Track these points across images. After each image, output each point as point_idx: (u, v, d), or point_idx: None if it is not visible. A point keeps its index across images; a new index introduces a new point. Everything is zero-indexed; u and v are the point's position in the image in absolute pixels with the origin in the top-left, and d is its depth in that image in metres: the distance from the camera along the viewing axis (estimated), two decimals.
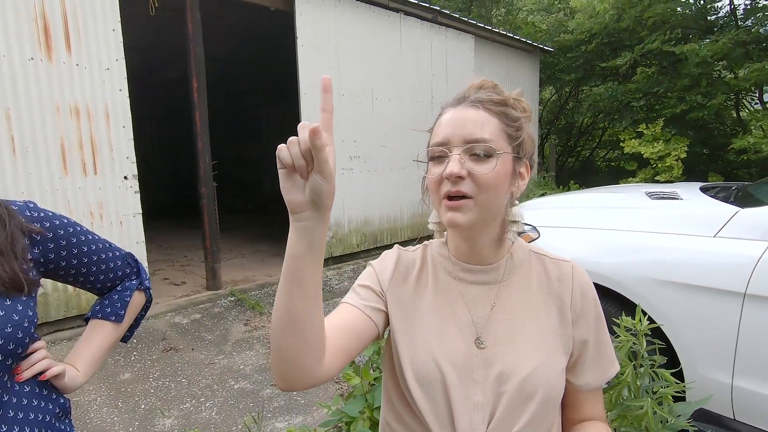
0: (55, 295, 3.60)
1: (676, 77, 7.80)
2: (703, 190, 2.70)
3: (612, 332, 0.89)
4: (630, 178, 8.00)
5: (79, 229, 0.92)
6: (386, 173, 6.25)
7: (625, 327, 0.96)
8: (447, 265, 0.79)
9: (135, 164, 3.96)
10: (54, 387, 0.86)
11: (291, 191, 0.56)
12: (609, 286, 2.11)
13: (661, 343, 0.99)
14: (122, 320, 0.97)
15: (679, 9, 8.24)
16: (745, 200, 2.23)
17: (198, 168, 4.58)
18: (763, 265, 1.75)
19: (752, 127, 6.68)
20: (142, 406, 2.69)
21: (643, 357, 0.89)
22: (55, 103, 3.51)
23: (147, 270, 1.06)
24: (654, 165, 7.35)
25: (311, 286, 0.59)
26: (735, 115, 8.82)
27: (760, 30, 7.43)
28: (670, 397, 0.87)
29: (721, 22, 8.32)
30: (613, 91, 8.41)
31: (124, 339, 1.05)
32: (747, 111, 8.65)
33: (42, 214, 0.86)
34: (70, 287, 3.36)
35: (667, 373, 0.88)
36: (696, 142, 7.79)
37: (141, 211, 4.03)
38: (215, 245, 4.74)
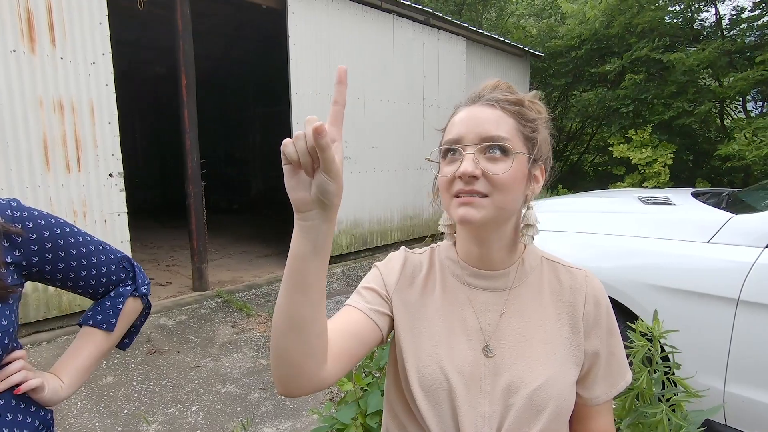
0: (34, 295, 3.49)
1: (663, 84, 7.93)
2: (694, 195, 2.72)
3: (626, 338, 0.87)
4: (618, 183, 8.10)
5: (68, 229, 0.85)
6: (377, 175, 6.22)
7: (639, 332, 0.94)
8: (455, 269, 0.76)
9: (120, 161, 3.87)
10: (34, 400, 0.81)
11: (296, 189, 0.53)
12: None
13: (675, 348, 0.97)
14: (113, 329, 0.91)
15: (667, 18, 8.38)
16: (737, 206, 2.24)
17: (186, 166, 4.49)
18: (756, 272, 1.76)
19: (735, 135, 6.81)
20: (125, 411, 2.61)
21: (657, 363, 0.88)
22: (38, 97, 3.40)
23: (145, 273, 1.00)
24: (642, 171, 7.45)
25: (315, 290, 0.56)
26: (719, 123, 9.00)
27: (745, 40, 7.59)
28: (683, 405, 0.85)
29: (706, 31, 8.50)
30: (602, 96, 8.51)
31: (122, 346, 0.99)
32: (730, 119, 8.83)
33: (25, 214, 0.79)
34: (50, 287, 3.25)
35: (683, 381, 0.86)
36: (681, 148, 7.92)
37: (126, 210, 3.93)
38: (202, 245, 4.65)
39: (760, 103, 8.54)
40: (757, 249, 1.80)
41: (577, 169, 11.82)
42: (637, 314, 2.01)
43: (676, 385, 0.91)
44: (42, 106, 3.43)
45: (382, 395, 1.54)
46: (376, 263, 0.80)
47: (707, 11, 8.36)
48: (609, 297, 2.13)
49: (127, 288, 0.93)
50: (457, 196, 0.66)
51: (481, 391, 0.67)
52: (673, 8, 8.36)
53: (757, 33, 7.64)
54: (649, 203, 2.52)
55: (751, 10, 7.68)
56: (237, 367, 3.12)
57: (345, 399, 1.65)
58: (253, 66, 9.35)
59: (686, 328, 1.90)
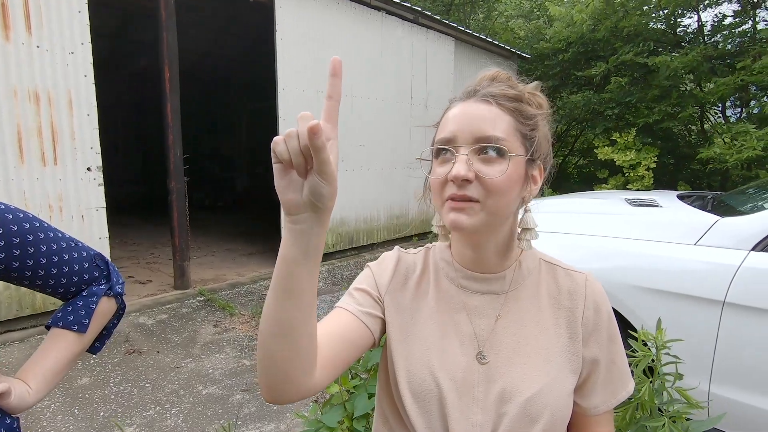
0: (6, 293, 3.35)
1: (647, 88, 8.06)
2: (680, 198, 2.74)
3: (627, 346, 0.85)
4: (602, 185, 8.20)
5: (38, 225, 0.79)
6: (363, 173, 6.17)
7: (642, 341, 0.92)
8: (449, 271, 0.72)
9: (100, 155, 3.74)
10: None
11: (287, 190, 0.49)
12: None
13: (680, 359, 0.96)
14: (86, 330, 0.84)
15: (651, 24, 8.53)
16: (722, 209, 2.27)
17: (168, 161, 4.38)
18: (742, 274, 1.77)
19: (715, 139, 6.96)
20: (101, 414, 2.52)
21: (659, 374, 0.85)
22: (12, 86, 3.27)
23: (119, 272, 0.94)
24: (626, 173, 7.55)
25: (306, 295, 0.53)
26: (700, 127, 9.19)
27: (727, 46, 7.76)
28: (683, 416, 0.83)
29: (688, 38, 8.67)
30: (588, 99, 8.61)
31: (93, 350, 0.93)
32: (710, 123, 9.02)
33: None
34: None
35: (685, 392, 0.84)
36: (663, 152, 8.07)
37: (105, 205, 3.81)
38: (184, 242, 4.54)
39: (739, 109, 8.74)
40: (743, 252, 1.82)
41: (561, 171, 11.94)
42: (626, 316, 2.01)
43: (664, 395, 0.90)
44: (16, 96, 3.29)
45: (369, 398, 1.50)
46: (368, 263, 0.77)
47: (691, 18, 8.53)
48: None
49: (101, 287, 0.87)
50: (448, 199, 0.63)
51: (473, 398, 0.65)
52: (656, 14, 8.51)
53: (738, 40, 7.81)
54: (635, 205, 2.54)
55: (733, 17, 7.86)
56: (219, 368, 3.05)
57: (331, 401, 1.61)
58: (239, 61, 9.21)
59: (673, 329, 1.91)
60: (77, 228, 3.65)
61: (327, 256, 5.86)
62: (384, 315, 0.70)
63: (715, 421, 0.88)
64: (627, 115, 8.72)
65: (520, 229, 0.70)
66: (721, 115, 8.86)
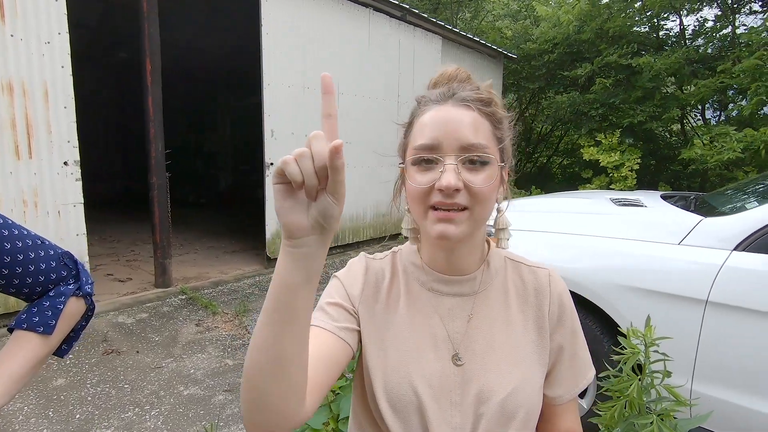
0: None
1: (630, 90, 8.19)
2: (664, 198, 2.77)
3: (617, 344, 0.84)
4: (587, 185, 8.31)
5: (1, 221, 0.75)
6: (349, 171, 6.12)
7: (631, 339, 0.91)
8: (420, 275, 0.72)
9: (77, 149, 3.63)
10: None
11: (292, 212, 0.46)
12: (577, 291, 2.11)
13: (668, 356, 0.95)
14: (52, 332, 0.79)
15: (636, 27, 8.67)
16: (705, 209, 2.30)
17: (149, 156, 4.27)
18: (724, 274, 1.79)
19: (695, 141, 7.12)
20: (77, 416, 2.44)
21: (648, 372, 0.85)
22: None
23: (89, 271, 0.88)
24: (610, 174, 7.67)
25: (304, 322, 0.49)
26: (680, 129, 9.38)
27: (708, 50, 7.92)
28: (671, 414, 0.83)
29: (670, 41, 8.84)
30: (573, 100, 8.71)
31: (60, 353, 0.87)
32: (690, 125, 9.22)
33: None
34: None
35: (674, 390, 0.83)
36: (645, 153, 8.21)
37: (83, 201, 3.70)
38: (166, 239, 4.44)
39: (718, 112, 8.95)
40: (726, 251, 1.84)
41: (546, 171, 12.08)
42: (610, 315, 2.02)
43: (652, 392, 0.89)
44: None
45: None
46: (335, 274, 0.74)
47: (673, 21, 8.69)
48: (583, 297, 2.13)
49: (69, 287, 0.82)
50: (433, 208, 0.62)
51: (451, 402, 0.65)
52: (641, 17, 8.65)
53: (718, 44, 7.98)
54: (621, 205, 2.56)
55: (715, 21, 8.03)
56: (201, 368, 2.98)
57: None
58: (224, 55, 9.05)
59: (657, 327, 1.93)
60: (53, 224, 3.53)
61: None
62: (359, 326, 0.69)
63: (703, 419, 0.88)
64: (610, 116, 8.86)
65: (494, 230, 0.73)
66: (701, 118, 9.05)
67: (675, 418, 0.83)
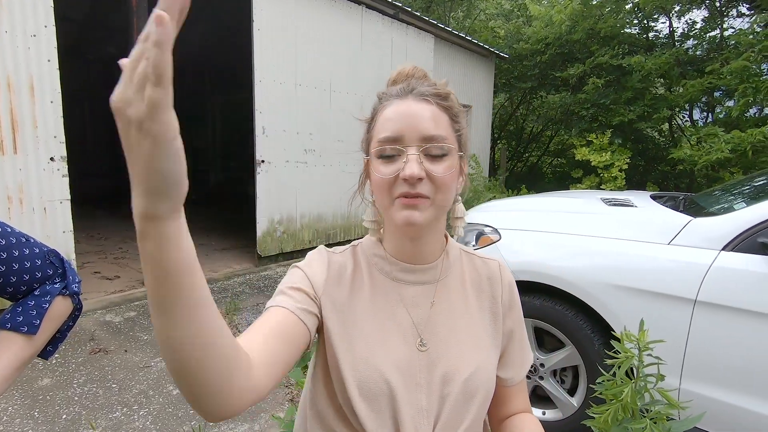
0: None
1: (621, 90, 8.27)
2: (653, 198, 2.80)
3: (609, 347, 0.84)
4: (577, 185, 8.37)
5: None
6: (342, 168, 6.11)
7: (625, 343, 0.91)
8: (384, 265, 0.75)
9: (64, 145, 3.56)
10: None
11: (163, 158, 0.37)
12: (568, 290, 2.12)
13: (661, 360, 0.96)
14: (36, 332, 0.77)
15: (627, 29, 8.75)
16: (693, 210, 2.32)
17: None
18: (713, 274, 1.82)
19: (683, 142, 7.23)
20: (64, 416, 2.40)
21: (641, 375, 0.85)
22: None
23: (76, 270, 0.86)
24: (600, 174, 7.74)
25: (209, 296, 0.47)
26: (668, 130, 9.50)
27: (697, 52, 8.02)
28: (664, 417, 0.83)
29: (660, 42, 8.94)
30: (564, 100, 8.77)
31: (45, 355, 0.85)
32: (678, 126, 9.34)
33: None
34: None
35: (667, 393, 0.84)
36: (635, 153, 8.29)
37: (69, 197, 3.64)
38: None
39: (706, 113, 9.07)
40: (714, 251, 1.86)
41: (536, 171, 12.16)
42: (601, 314, 2.04)
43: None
44: None
45: None
46: (295, 264, 0.74)
47: (663, 23, 8.79)
48: (572, 296, 2.14)
49: (55, 286, 0.80)
50: (399, 197, 0.65)
51: (417, 385, 0.68)
52: (631, 19, 8.74)
53: (707, 46, 8.09)
54: (611, 205, 2.57)
55: (704, 22, 8.14)
56: None
57: None
58: (214, 50, 8.96)
59: (647, 326, 1.95)
60: (39, 221, 3.47)
61: (303, 252, 5.77)
62: (321, 315, 0.69)
63: (696, 420, 0.89)
64: (600, 117, 8.94)
65: (452, 218, 0.76)
66: (688, 119, 9.17)
67: (670, 419, 0.83)
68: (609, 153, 7.57)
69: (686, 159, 6.44)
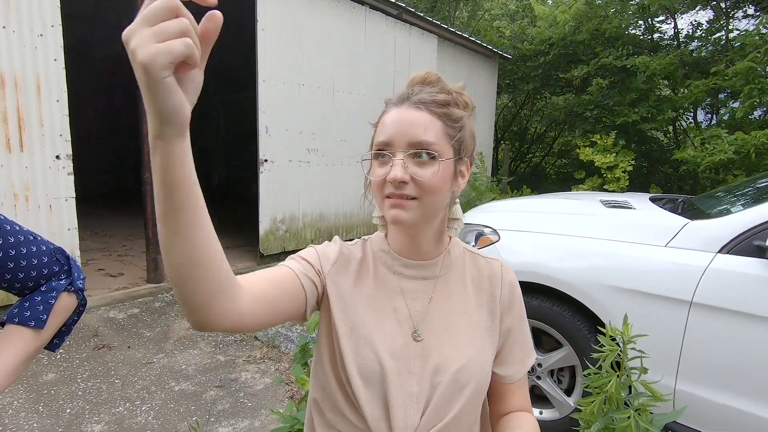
0: None
1: (625, 91, 8.24)
2: (652, 200, 2.81)
3: (596, 341, 0.87)
4: (580, 186, 8.37)
5: None
6: (344, 168, 6.13)
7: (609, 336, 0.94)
8: (387, 259, 0.80)
9: (70, 143, 3.61)
10: None
11: (157, 90, 0.44)
12: (565, 291, 2.14)
13: (645, 353, 0.98)
14: (44, 326, 0.80)
15: (631, 30, 8.72)
16: (691, 212, 2.33)
17: (142, 151, 4.26)
18: (708, 276, 1.83)
19: (686, 144, 7.20)
20: (68, 411, 2.44)
21: (626, 368, 0.88)
22: None
23: (80, 266, 0.90)
24: (603, 175, 7.73)
25: (207, 217, 0.55)
26: (672, 131, 9.46)
27: (702, 53, 7.99)
28: (648, 409, 0.86)
29: (665, 43, 8.91)
30: (568, 101, 8.75)
31: (51, 347, 0.89)
32: (681, 128, 9.30)
33: None
34: None
35: (651, 386, 0.86)
36: (638, 155, 8.28)
37: (75, 195, 3.68)
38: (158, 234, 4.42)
39: (710, 115, 9.04)
40: (710, 254, 1.88)
41: (539, 171, 12.14)
42: (598, 315, 2.06)
43: (630, 388, 0.92)
44: None
45: None
46: (312, 245, 0.81)
47: (669, 24, 8.76)
48: (570, 297, 2.16)
49: (61, 282, 0.83)
50: (388, 197, 0.70)
51: (410, 372, 0.72)
52: (635, 20, 8.71)
53: (711, 48, 8.06)
54: (610, 206, 2.59)
55: (709, 23, 8.10)
56: (192, 364, 2.99)
57: (306, 398, 1.59)
58: (217, 49, 8.96)
59: (643, 328, 1.96)
60: (45, 218, 3.52)
61: None
62: (324, 291, 0.75)
63: (677, 414, 0.91)
64: (604, 118, 8.91)
65: (449, 219, 0.79)
66: (692, 120, 9.14)
67: (651, 413, 0.86)
68: (613, 154, 7.55)
69: (690, 160, 6.43)
